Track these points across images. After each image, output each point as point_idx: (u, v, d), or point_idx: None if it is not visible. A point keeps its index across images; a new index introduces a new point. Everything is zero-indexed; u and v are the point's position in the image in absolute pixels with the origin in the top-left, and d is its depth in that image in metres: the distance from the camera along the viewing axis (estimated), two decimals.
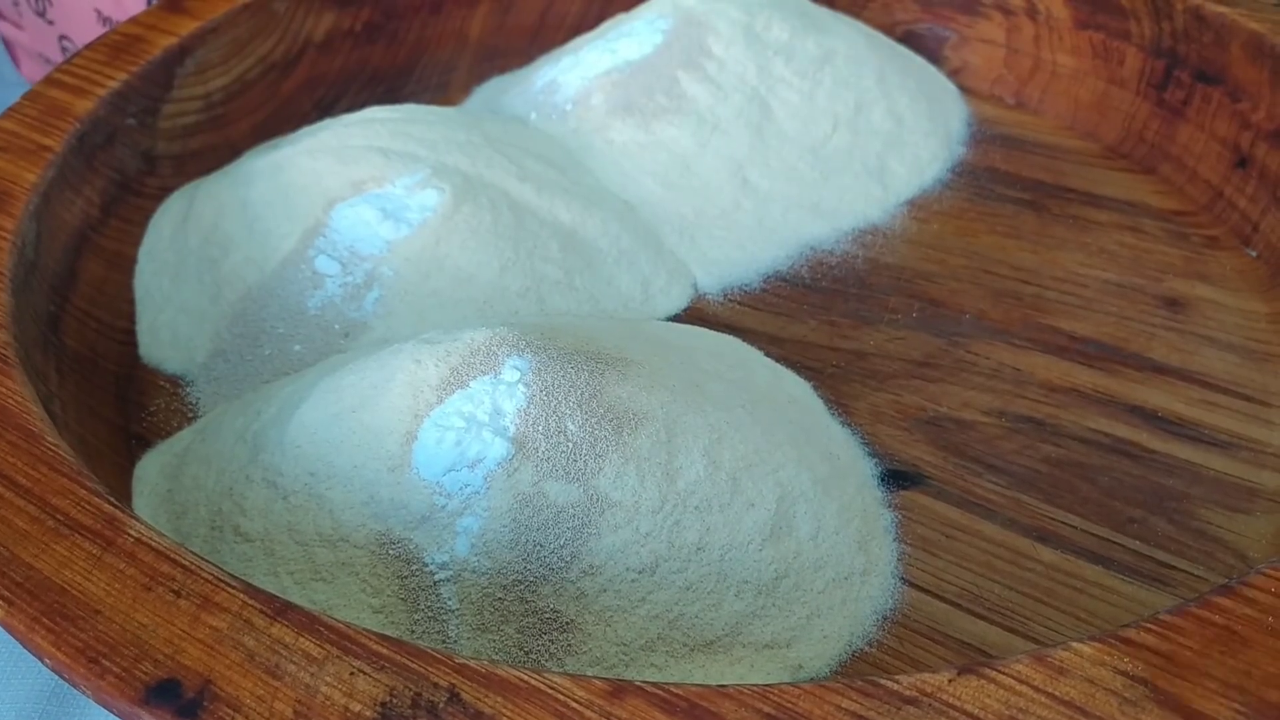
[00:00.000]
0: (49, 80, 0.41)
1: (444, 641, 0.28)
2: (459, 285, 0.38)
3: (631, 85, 0.46)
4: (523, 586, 0.28)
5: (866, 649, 0.30)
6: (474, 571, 0.28)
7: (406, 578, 0.28)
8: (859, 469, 0.34)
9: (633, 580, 0.28)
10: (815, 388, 0.37)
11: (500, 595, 0.28)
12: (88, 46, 0.43)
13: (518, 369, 0.30)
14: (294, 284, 0.38)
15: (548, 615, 0.28)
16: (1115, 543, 0.33)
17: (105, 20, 0.55)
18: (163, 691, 0.22)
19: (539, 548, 0.28)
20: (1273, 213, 0.42)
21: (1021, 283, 0.42)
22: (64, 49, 0.57)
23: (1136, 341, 0.39)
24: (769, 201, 0.45)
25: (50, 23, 0.57)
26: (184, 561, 0.24)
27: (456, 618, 0.28)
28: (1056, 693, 0.22)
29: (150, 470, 0.34)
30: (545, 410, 0.29)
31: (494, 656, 0.28)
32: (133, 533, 0.25)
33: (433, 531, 0.28)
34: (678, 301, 0.41)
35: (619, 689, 0.22)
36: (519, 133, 0.45)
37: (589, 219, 0.41)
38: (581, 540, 0.28)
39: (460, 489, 0.28)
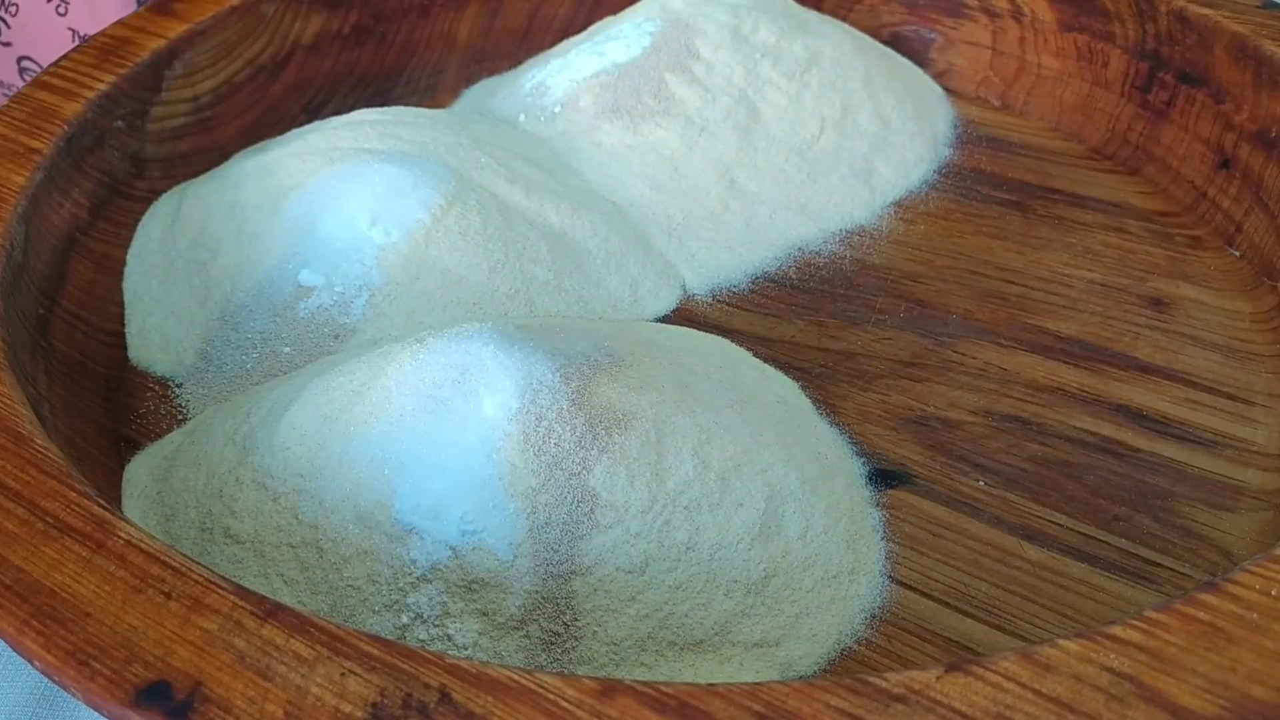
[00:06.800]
0: (37, 83, 0.41)
1: (433, 642, 0.28)
2: (448, 287, 0.38)
3: (619, 87, 0.46)
4: (512, 587, 0.28)
5: (855, 647, 0.30)
6: (463, 573, 0.28)
7: (396, 579, 0.28)
8: (847, 468, 0.34)
9: (623, 580, 0.28)
10: (803, 388, 0.38)
11: (490, 596, 0.28)
12: (76, 49, 0.43)
13: (505, 368, 0.30)
14: (283, 286, 0.38)
15: (538, 616, 0.28)
16: (1101, 540, 0.33)
17: (81, 39, 0.54)
18: (153, 693, 0.22)
19: (529, 548, 0.28)
20: (1256, 213, 0.43)
21: (1007, 283, 0.42)
22: (22, 70, 0.57)
23: (1121, 341, 0.40)
24: (756, 203, 0.45)
25: (7, 44, 0.56)
26: (174, 563, 0.24)
27: (445, 619, 0.28)
28: (1043, 690, 0.22)
29: (140, 472, 0.34)
30: (534, 411, 0.29)
31: (484, 657, 0.28)
32: (123, 535, 0.25)
33: (421, 534, 0.28)
34: (666, 303, 0.41)
35: (609, 688, 0.22)
36: (508, 135, 0.46)
37: (578, 221, 0.41)
38: (571, 541, 0.28)
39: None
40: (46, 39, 0.55)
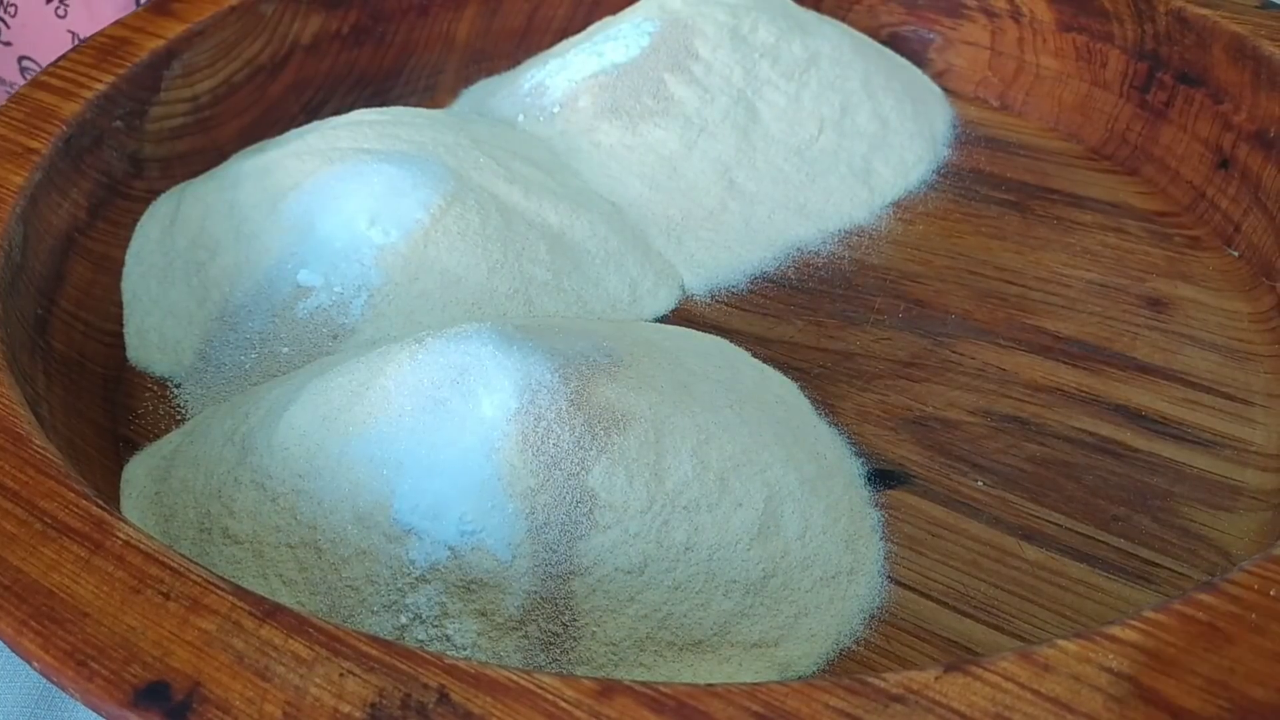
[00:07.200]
0: (35, 83, 0.41)
1: (431, 643, 0.28)
2: (447, 287, 0.38)
3: (618, 88, 0.46)
4: (511, 587, 0.28)
5: (854, 647, 0.30)
6: (462, 573, 0.28)
7: (395, 580, 0.28)
8: (846, 468, 0.34)
9: (621, 580, 0.28)
10: (802, 388, 0.38)
11: (488, 596, 0.28)
12: (74, 49, 0.43)
13: (504, 368, 0.30)
14: (281, 286, 0.38)
15: (536, 616, 0.28)
16: (1100, 540, 0.33)
17: (79, 41, 0.54)
18: (151, 694, 0.22)
19: (528, 549, 0.28)
20: (1254, 213, 0.43)
21: (1006, 283, 0.42)
22: (24, 69, 0.57)
23: (1120, 341, 0.40)
24: (755, 203, 0.45)
25: (7, 44, 0.56)
26: (173, 564, 0.24)
27: (444, 619, 0.28)
28: (1042, 690, 0.22)
29: (138, 473, 0.34)
30: (533, 411, 0.29)
31: (483, 657, 0.28)
32: (121, 535, 0.25)
33: (420, 535, 0.28)
34: (665, 303, 0.41)
35: (608, 689, 0.22)
36: (506, 135, 0.46)
37: (577, 221, 0.41)
38: (570, 541, 0.28)
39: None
40: (46, 41, 0.55)
